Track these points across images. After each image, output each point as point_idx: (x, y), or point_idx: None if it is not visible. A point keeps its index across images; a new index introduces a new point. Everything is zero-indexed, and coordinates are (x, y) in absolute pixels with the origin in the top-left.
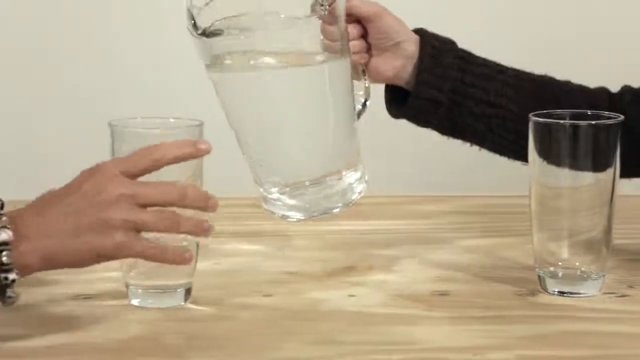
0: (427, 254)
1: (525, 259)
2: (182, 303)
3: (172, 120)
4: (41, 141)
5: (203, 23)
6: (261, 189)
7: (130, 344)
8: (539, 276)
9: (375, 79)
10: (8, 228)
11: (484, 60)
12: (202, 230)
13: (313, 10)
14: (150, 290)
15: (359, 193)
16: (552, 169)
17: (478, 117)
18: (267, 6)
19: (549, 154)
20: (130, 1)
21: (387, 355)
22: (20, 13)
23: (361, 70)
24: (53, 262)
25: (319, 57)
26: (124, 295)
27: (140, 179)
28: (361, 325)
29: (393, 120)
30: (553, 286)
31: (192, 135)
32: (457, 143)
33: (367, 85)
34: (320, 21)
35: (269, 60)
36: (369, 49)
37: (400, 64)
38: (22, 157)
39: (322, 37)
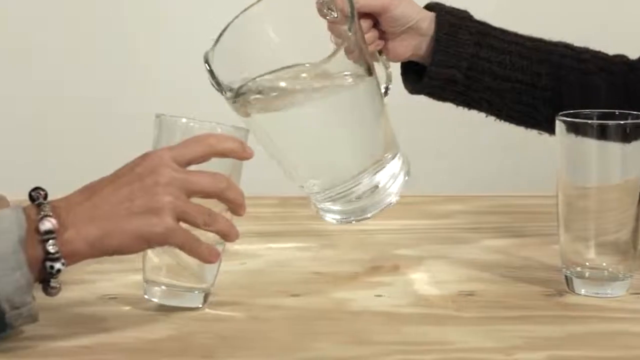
0: (451, 253)
1: (549, 259)
2: (200, 305)
3: (214, 123)
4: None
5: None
6: (311, 199)
7: (162, 344)
8: (565, 277)
9: (393, 60)
10: (51, 216)
11: (500, 31)
12: (234, 233)
13: (321, 14)
14: (173, 289)
15: (398, 191)
16: (579, 169)
17: (494, 91)
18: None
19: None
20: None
21: (421, 356)
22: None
23: (380, 56)
24: (101, 248)
25: (349, 80)
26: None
27: None
28: (391, 325)
29: (410, 120)
30: (580, 287)
31: (240, 137)
32: (474, 145)
33: (388, 71)
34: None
35: (304, 96)
36: (382, 35)
37: (416, 42)
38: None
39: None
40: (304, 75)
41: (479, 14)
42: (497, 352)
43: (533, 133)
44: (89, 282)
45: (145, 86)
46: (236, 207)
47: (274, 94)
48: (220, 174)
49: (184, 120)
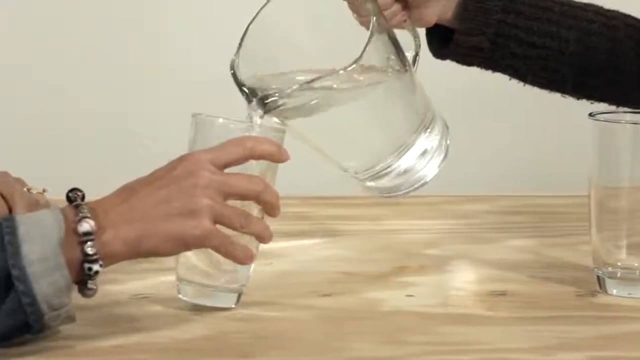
0: (477, 253)
1: (577, 259)
2: (233, 305)
3: (250, 124)
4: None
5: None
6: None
7: (197, 343)
8: (597, 277)
9: (419, 26)
10: (90, 218)
11: None
12: (269, 234)
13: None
14: (207, 289)
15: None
16: (612, 169)
17: (520, 58)
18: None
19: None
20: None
21: (459, 356)
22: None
23: (407, 25)
24: (138, 250)
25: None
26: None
27: None
28: (425, 325)
29: None
30: (612, 287)
31: (276, 139)
32: (492, 145)
33: (416, 40)
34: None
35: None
36: (405, 5)
37: (441, 7)
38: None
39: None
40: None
41: None
42: (535, 352)
43: (538, 134)
44: (119, 282)
45: (179, 86)
46: (272, 209)
47: (308, 102)
48: (256, 176)
49: (220, 120)
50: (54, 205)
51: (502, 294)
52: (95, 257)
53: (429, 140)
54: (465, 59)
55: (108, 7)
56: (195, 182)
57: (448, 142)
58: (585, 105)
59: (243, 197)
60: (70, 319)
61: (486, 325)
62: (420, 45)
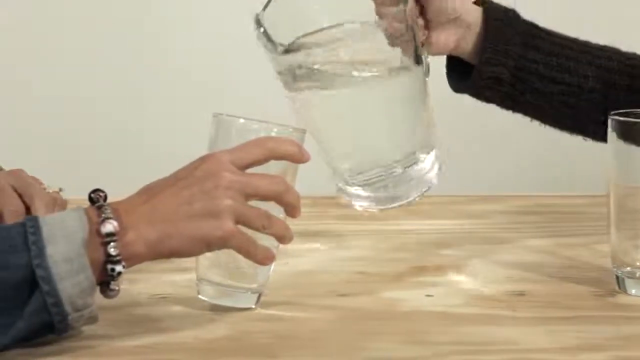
0: (493, 253)
1: (594, 259)
2: (253, 306)
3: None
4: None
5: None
6: (340, 184)
7: (220, 343)
8: (617, 277)
9: (436, 51)
10: (112, 219)
11: (547, 32)
12: (289, 235)
13: None
14: (227, 289)
15: (433, 180)
16: (631, 168)
17: (540, 93)
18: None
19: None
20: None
21: (485, 356)
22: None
23: (425, 47)
24: (160, 250)
25: (400, 61)
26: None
27: None
28: (447, 325)
29: (441, 121)
30: (631, 287)
31: (297, 140)
32: (503, 144)
33: (427, 61)
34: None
35: (361, 72)
36: (427, 25)
37: (461, 33)
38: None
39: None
40: (353, 52)
41: None
42: (560, 352)
43: (554, 133)
44: (137, 282)
45: (181, 85)
46: (293, 210)
47: (325, 68)
48: (278, 177)
49: (241, 120)
50: (77, 206)
51: (521, 294)
52: (118, 257)
53: (432, 155)
54: (486, 93)
55: (109, 8)
56: (217, 183)
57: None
58: None
59: (265, 197)
60: (94, 319)
61: (508, 326)
62: (429, 69)
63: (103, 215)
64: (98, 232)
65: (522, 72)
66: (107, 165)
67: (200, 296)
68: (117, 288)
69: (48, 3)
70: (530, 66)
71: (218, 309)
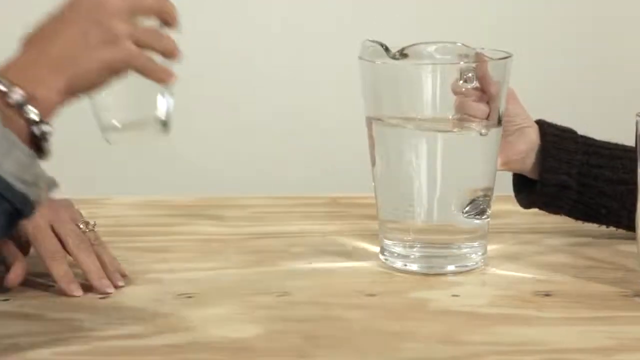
0: (516, 253)
1: (617, 259)
2: (162, 137)
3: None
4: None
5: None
6: None
7: (250, 343)
8: None
9: (502, 166)
10: (14, 85)
11: (606, 142)
12: (178, 50)
13: (464, 79)
14: (131, 124)
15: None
16: None
17: (610, 196)
18: None
19: None
20: None
21: (519, 356)
22: None
23: None
24: (74, 91)
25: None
26: (228, 295)
27: None
28: (477, 326)
29: None
30: None
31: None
32: None
33: None
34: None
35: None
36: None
37: (524, 149)
38: None
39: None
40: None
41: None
42: (596, 353)
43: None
44: (163, 282)
45: None
46: (173, 20)
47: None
48: None
49: None
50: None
51: (547, 294)
52: (38, 118)
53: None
54: (555, 202)
55: None
56: (104, 11)
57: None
58: (625, 106)
59: (151, 11)
60: (53, 184)
61: (538, 326)
62: None
63: (3, 87)
64: (8, 105)
65: (587, 177)
66: (107, 166)
67: (109, 142)
68: (50, 148)
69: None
70: (596, 171)
71: (247, 308)
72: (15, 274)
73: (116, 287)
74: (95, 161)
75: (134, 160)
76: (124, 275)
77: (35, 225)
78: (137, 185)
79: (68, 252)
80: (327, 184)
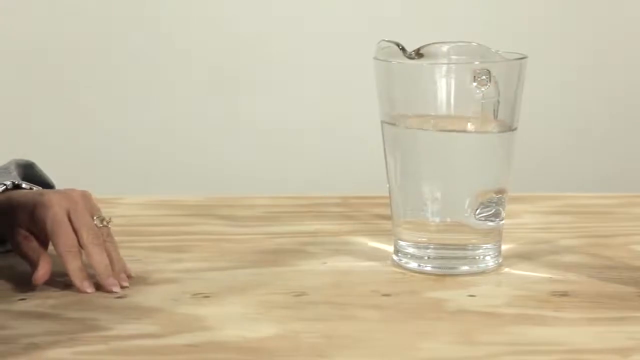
0: (530, 253)
1: (632, 260)
2: None
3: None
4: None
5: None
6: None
7: (268, 343)
8: None
9: None
10: None
11: None
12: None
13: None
14: None
15: None
16: None
17: None
18: None
19: None
20: None
21: (540, 357)
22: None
23: None
24: None
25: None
26: (244, 295)
27: None
28: (495, 326)
29: None
30: None
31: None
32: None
33: None
34: None
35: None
36: None
37: None
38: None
39: None
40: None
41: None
42: (612, 353)
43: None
44: (179, 281)
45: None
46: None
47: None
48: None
49: None
50: None
51: (564, 294)
52: None
53: None
54: None
55: (109, 7)
56: None
57: None
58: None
59: None
60: None
61: (556, 326)
62: None
63: None
64: None
65: None
66: (107, 165)
67: None
68: None
69: (48, 2)
70: None
71: (264, 308)
72: (44, 271)
73: (121, 287)
74: (96, 161)
75: (139, 161)
76: (129, 276)
77: (55, 219)
78: (147, 186)
79: (80, 245)
80: (332, 184)
